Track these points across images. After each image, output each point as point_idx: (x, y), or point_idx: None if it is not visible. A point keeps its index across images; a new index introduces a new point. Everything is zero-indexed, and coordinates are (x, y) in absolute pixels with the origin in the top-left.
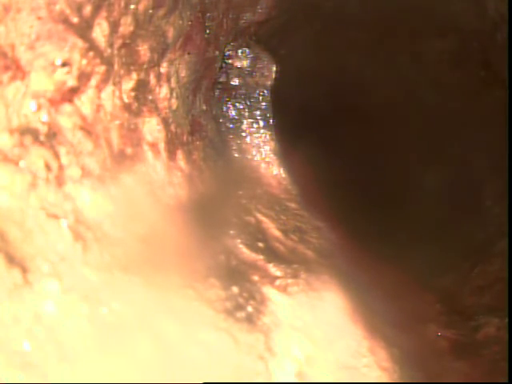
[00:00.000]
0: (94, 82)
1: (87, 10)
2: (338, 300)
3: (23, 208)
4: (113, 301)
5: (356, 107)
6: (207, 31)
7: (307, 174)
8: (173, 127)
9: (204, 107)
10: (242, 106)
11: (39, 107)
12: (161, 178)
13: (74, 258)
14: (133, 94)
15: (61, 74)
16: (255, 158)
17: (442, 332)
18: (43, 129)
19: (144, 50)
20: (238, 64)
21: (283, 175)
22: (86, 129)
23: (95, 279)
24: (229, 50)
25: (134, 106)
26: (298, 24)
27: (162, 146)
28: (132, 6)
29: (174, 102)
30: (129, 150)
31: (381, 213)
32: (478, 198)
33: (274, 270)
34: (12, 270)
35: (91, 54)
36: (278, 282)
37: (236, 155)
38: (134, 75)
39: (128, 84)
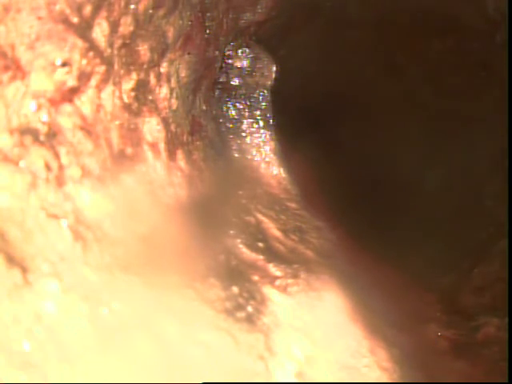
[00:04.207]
0: (93, 82)
1: (87, 9)
2: (337, 300)
3: (23, 208)
4: (113, 301)
5: (356, 107)
6: (207, 31)
7: (307, 173)
8: (173, 127)
9: (204, 107)
10: (241, 106)
11: (39, 107)
12: (161, 178)
13: (74, 258)
14: (133, 94)
15: (61, 74)
16: (255, 158)
17: (441, 332)
18: (43, 129)
19: (144, 50)
20: (238, 64)
21: (283, 175)
22: (86, 129)
23: (95, 279)
24: (229, 50)
25: (134, 106)
26: (298, 24)
27: (162, 146)
28: (132, 6)
29: (174, 102)
30: (129, 150)
31: (381, 213)
32: (478, 198)
33: (274, 269)
34: (12, 269)
35: (91, 54)
36: (278, 282)
37: (236, 155)
38: (134, 75)
39: (128, 84)
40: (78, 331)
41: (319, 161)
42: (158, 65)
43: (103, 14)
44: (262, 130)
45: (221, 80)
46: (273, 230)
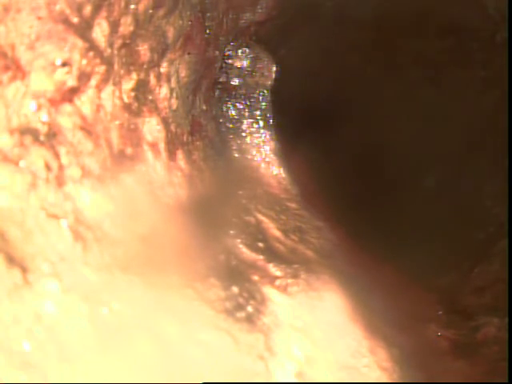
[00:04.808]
0: (93, 82)
1: (87, 9)
2: (338, 300)
3: (23, 208)
4: (113, 301)
5: (356, 107)
6: (207, 31)
7: (307, 173)
8: (173, 127)
9: (204, 107)
10: (241, 106)
11: (39, 107)
12: (161, 178)
13: (74, 258)
14: (133, 94)
15: (61, 74)
16: (255, 158)
17: (441, 332)
18: (43, 129)
19: (144, 50)
20: (237, 64)
21: (283, 175)
22: (86, 129)
23: (95, 279)
24: (229, 50)
25: (134, 106)
26: (298, 24)
27: (162, 146)
28: (132, 6)
29: (174, 102)
30: (129, 150)
31: (381, 213)
32: (478, 198)
33: (274, 269)
34: (12, 269)
35: (91, 54)
36: (278, 282)
37: (236, 155)
38: (134, 75)
39: (128, 84)
40: (78, 331)
41: (319, 161)
42: (158, 65)
43: (103, 14)
44: (262, 130)
45: (221, 80)
46: (273, 230)
